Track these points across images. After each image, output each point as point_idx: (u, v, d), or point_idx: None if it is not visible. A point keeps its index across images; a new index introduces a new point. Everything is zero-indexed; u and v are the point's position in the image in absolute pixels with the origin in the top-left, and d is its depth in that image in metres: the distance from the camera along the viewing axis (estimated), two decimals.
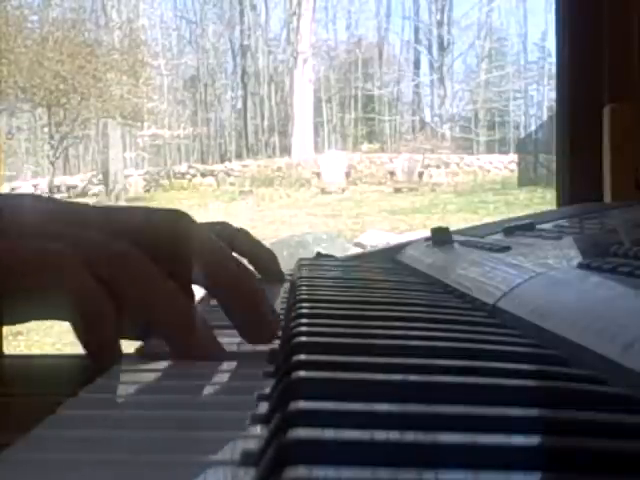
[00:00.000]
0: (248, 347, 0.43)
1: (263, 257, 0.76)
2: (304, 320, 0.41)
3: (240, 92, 19.91)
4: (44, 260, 0.41)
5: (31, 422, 0.28)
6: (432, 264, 0.75)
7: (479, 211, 10.94)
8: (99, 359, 0.40)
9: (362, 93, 20.12)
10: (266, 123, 19.38)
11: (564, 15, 1.18)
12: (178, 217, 0.47)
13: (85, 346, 0.41)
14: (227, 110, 20.26)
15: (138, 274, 0.42)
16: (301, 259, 0.84)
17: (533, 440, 0.23)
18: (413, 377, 0.29)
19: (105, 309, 0.41)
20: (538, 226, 0.77)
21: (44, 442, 0.27)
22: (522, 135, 18.41)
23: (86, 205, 0.49)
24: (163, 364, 0.39)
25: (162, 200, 12.91)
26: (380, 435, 0.23)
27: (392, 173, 15.25)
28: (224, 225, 0.76)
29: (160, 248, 0.44)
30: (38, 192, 11.73)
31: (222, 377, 0.39)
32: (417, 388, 0.29)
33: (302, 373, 0.29)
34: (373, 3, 20.73)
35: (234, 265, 0.45)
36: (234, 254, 0.72)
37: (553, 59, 1.42)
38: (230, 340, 0.43)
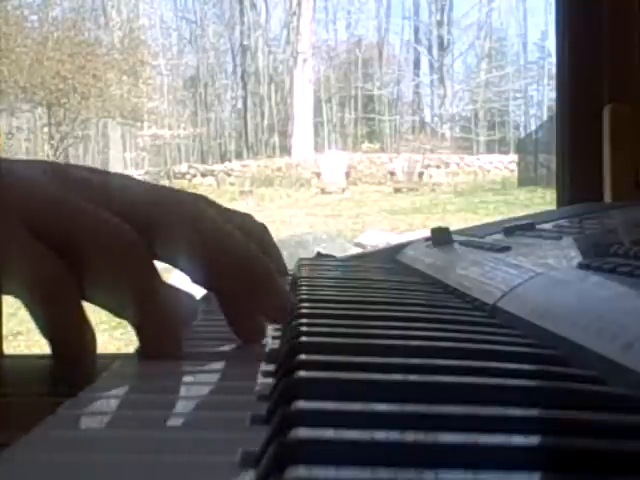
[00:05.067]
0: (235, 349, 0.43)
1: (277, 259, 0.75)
2: (304, 320, 0.41)
3: (240, 92, 19.92)
4: None
5: (31, 422, 0.28)
6: (432, 264, 0.74)
7: (479, 211, 10.94)
8: (66, 357, 0.36)
9: (362, 93, 20.12)
10: (266, 123, 19.38)
11: (564, 15, 1.18)
12: (191, 199, 0.42)
13: (48, 339, 0.35)
14: (227, 110, 20.28)
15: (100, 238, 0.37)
16: (301, 259, 0.84)
17: (533, 440, 0.23)
18: (413, 377, 0.29)
19: (67, 289, 0.35)
20: (538, 226, 0.77)
21: (44, 442, 0.27)
22: (522, 135, 18.42)
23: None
24: (163, 364, 0.39)
25: None
26: (380, 435, 0.23)
27: (392, 173, 15.26)
28: (249, 217, 0.73)
29: (152, 223, 0.40)
30: None
31: (220, 376, 0.39)
32: (417, 388, 0.29)
33: (302, 373, 0.29)
34: (373, 3, 20.75)
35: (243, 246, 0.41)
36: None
37: (553, 59, 1.42)
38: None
